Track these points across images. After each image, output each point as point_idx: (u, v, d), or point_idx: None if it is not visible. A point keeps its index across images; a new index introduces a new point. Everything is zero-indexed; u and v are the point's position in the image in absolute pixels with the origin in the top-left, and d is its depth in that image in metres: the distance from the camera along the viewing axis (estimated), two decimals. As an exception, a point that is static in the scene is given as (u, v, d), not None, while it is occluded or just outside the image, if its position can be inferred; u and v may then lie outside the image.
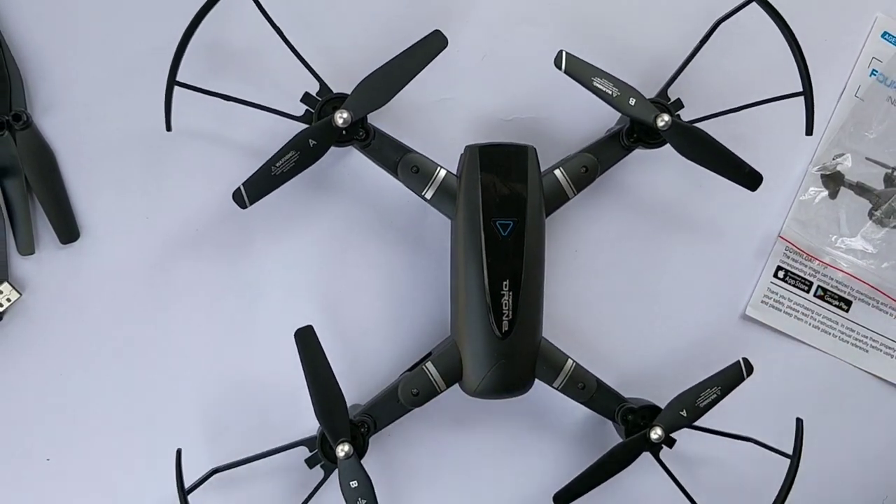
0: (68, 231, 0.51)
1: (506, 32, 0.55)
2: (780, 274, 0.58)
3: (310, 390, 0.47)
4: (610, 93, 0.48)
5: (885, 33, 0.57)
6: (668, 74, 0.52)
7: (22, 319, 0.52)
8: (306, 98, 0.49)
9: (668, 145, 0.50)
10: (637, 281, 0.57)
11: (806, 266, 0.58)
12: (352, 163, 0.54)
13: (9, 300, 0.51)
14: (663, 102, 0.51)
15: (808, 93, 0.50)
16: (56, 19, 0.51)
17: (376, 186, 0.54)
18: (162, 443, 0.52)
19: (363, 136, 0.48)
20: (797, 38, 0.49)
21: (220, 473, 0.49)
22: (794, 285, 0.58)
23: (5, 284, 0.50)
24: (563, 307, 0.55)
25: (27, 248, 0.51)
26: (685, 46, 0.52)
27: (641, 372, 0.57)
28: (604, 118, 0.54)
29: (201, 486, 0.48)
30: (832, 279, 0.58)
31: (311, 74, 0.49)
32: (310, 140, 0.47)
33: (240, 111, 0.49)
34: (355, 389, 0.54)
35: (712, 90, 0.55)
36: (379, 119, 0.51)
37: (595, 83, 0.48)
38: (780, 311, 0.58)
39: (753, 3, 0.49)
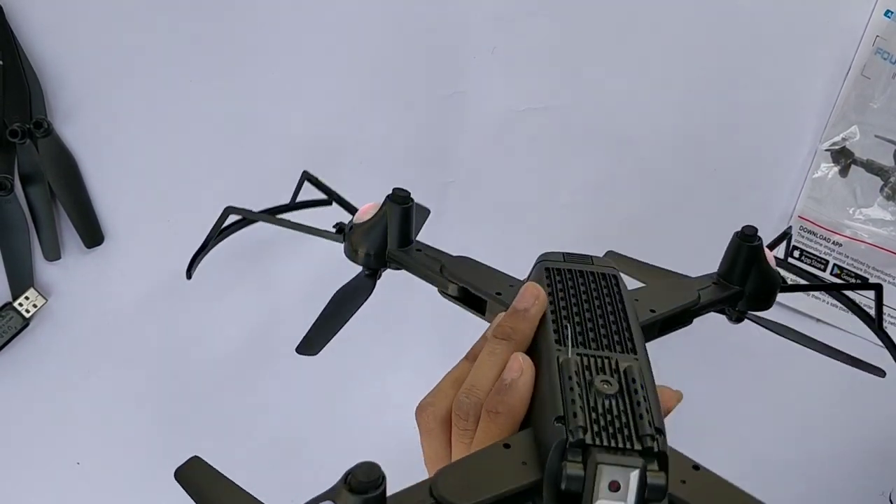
0: (92, 235, 0.52)
1: (515, 24, 0.55)
2: (796, 254, 0.58)
3: None
4: None
5: (888, 11, 0.58)
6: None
7: (48, 324, 0.52)
8: (339, 227, 0.43)
9: None
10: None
11: (821, 245, 0.59)
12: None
13: (35, 306, 0.51)
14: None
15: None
16: (73, 28, 0.52)
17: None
18: (187, 445, 0.52)
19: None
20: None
21: None
22: (810, 264, 0.58)
23: (31, 290, 0.51)
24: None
25: (53, 254, 0.52)
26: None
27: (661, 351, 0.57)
28: (617, 104, 0.54)
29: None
30: (848, 256, 0.59)
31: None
32: None
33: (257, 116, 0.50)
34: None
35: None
36: (396, 119, 0.51)
37: None
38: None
39: None
